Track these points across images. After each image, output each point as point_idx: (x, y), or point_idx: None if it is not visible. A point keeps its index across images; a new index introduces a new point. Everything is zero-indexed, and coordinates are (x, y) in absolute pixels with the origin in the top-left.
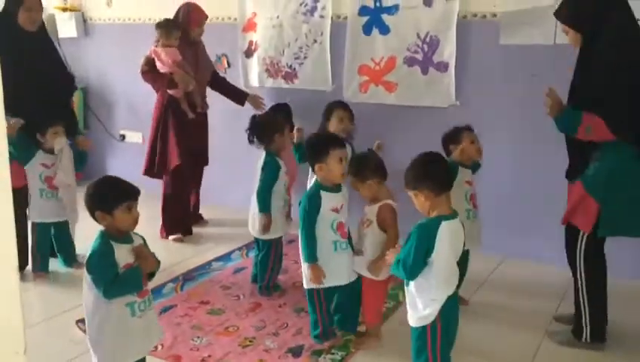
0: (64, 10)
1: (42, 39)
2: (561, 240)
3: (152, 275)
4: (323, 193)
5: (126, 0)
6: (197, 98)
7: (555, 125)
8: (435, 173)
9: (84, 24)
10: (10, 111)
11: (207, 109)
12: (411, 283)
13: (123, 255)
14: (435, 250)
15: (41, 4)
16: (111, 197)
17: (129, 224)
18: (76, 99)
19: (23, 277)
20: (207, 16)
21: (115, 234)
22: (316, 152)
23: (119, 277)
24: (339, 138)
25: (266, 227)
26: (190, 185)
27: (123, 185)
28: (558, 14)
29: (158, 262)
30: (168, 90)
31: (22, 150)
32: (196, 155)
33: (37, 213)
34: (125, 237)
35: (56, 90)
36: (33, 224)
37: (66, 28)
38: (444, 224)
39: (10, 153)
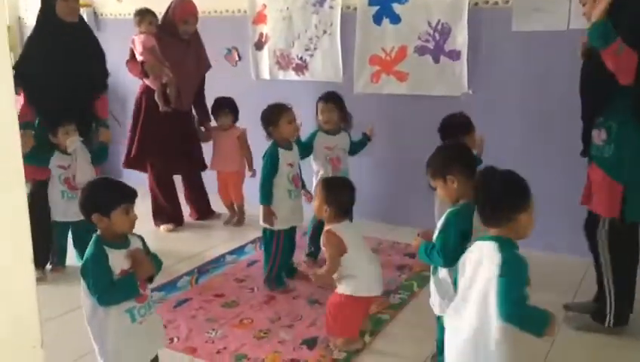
0: None
1: (82, 30)
2: (573, 229)
3: (151, 279)
4: (280, 150)
5: None
6: (172, 92)
7: (591, 36)
8: (463, 157)
9: (96, 19)
10: (34, 103)
11: (187, 109)
12: (443, 270)
13: (118, 260)
14: (473, 235)
15: None
16: (108, 199)
17: (126, 227)
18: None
19: (43, 273)
20: (195, 15)
21: (110, 239)
22: (269, 118)
23: (114, 284)
24: (286, 105)
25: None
26: (167, 177)
27: (120, 187)
28: None
29: (160, 263)
30: (143, 79)
31: (38, 154)
32: (177, 154)
33: (60, 213)
34: (122, 241)
35: (83, 86)
36: (53, 222)
37: None
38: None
39: (26, 157)
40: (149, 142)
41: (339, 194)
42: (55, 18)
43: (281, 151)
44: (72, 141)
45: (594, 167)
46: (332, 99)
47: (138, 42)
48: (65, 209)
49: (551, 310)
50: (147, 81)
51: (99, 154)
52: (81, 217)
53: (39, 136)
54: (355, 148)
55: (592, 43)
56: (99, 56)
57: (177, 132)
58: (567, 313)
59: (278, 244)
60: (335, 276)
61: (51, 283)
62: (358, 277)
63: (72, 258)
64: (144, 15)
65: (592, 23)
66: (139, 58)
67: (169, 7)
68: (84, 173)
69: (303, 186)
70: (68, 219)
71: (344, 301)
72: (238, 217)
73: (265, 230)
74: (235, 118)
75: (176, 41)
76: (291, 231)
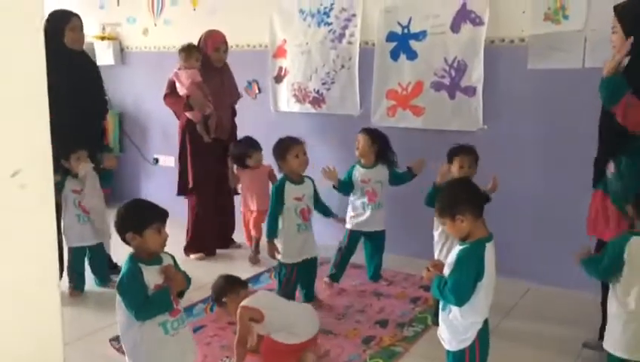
0: (102, 38)
1: (87, 58)
2: None
3: (182, 294)
4: (287, 184)
5: (161, 29)
6: (213, 123)
7: (600, 92)
8: (473, 196)
9: (121, 52)
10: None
11: (226, 137)
12: (454, 308)
13: (152, 276)
14: (485, 273)
15: (82, 24)
16: (142, 218)
17: (158, 245)
18: (112, 123)
19: None
20: (225, 42)
21: (144, 257)
22: (278, 152)
23: (149, 298)
24: (295, 138)
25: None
26: (213, 207)
27: (153, 208)
28: (620, 12)
29: (189, 279)
30: (185, 113)
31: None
32: (218, 181)
33: (76, 238)
34: (154, 258)
35: (90, 112)
36: (70, 248)
37: (104, 56)
38: (487, 246)
39: None
40: (202, 172)
41: (234, 288)
42: (63, 47)
43: (288, 185)
44: (83, 168)
45: (605, 197)
46: (366, 131)
47: (185, 77)
48: (81, 233)
49: (569, 346)
50: (189, 115)
51: (105, 179)
52: (98, 241)
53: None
54: (395, 179)
55: (602, 100)
56: (101, 83)
57: (222, 161)
58: (584, 350)
59: (290, 278)
60: (265, 332)
61: (70, 307)
62: (286, 329)
63: (89, 282)
64: (191, 51)
65: (602, 79)
66: (182, 92)
67: (199, 41)
68: (92, 197)
69: (328, 214)
70: (85, 244)
71: (277, 347)
72: (254, 252)
73: (279, 262)
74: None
75: (211, 72)
76: (306, 264)
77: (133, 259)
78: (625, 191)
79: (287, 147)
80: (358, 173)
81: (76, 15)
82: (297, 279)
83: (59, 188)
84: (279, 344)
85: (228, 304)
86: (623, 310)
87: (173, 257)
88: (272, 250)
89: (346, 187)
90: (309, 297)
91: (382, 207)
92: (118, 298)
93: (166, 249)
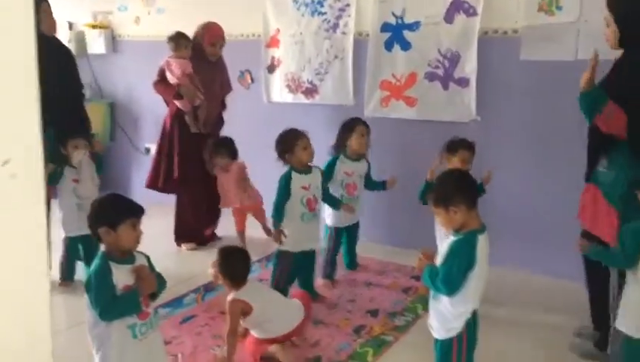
0: (94, 27)
1: (59, 43)
2: (579, 254)
3: (154, 296)
4: (294, 174)
5: (154, 18)
6: (202, 114)
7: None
8: (467, 187)
9: (113, 41)
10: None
11: (210, 131)
12: (444, 297)
13: (123, 276)
14: (477, 263)
15: (51, 9)
16: (116, 213)
17: (132, 241)
18: (103, 112)
19: None
20: (222, 38)
21: (116, 254)
22: (284, 145)
23: (115, 299)
24: (300, 131)
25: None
26: (201, 197)
27: (129, 203)
28: (612, 5)
29: (163, 281)
30: (175, 101)
31: (51, 174)
32: (204, 172)
33: (74, 228)
34: (127, 257)
35: (67, 98)
36: (65, 238)
37: (95, 44)
38: (480, 238)
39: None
40: (187, 163)
41: (232, 265)
42: (39, 33)
43: (295, 174)
44: (77, 155)
45: (597, 192)
46: (364, 123)
47: (176, 66)
48: (79, 222)
49: (559, 335)
50: (178, 103)
51: (97, 164)
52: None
53: (50, 151)
54: (370, 185)
55: (583, 113)
56: (76, 67)
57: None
58: (575, 339)
59: (284, 266)
60: (249, 326)
61: (60, 297)
62: (260, 325)
63: (80, 272)
64: (179, 40)
65: (580, 94)
66: (173, 81)
67: (197, 31)
68: (86, 185)
69: (337, 205)
70: (82, 233)
71: (256, 341)
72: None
73: (277, 250)
74: (234, 157)
75: (204, 64)
76: (305, 256)
77: (104, 257)
78: (615, 183)
79: (294, 140)
80: (343, 164)
81: (45, 0)
82: (293, 272)
83: (57, 177)
84: (252, 337)
85: None
86: None
87: (148, 257)
88: (278, 236)
89: (327, 178)
90: (312, 295)
91: (360, 199)
92: (86, 295)
93: (158, 240)
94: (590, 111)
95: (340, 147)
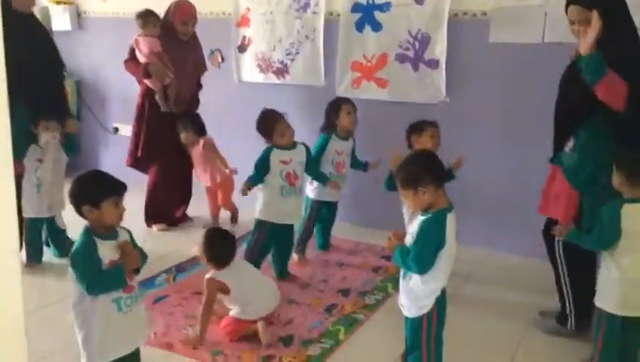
0: (58, 3)
1: (36, 21)
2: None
3: (137, 270)
4: (274, 150)
5: None
6: (172, 93)
7: (585, 69)
8: (434, 166)
9: (78, 17)
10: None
11: (183, 110)
12: (415, 278)
13: (107, 251)
14: (446, 242)
15: None
16: (99, 191)
17: (115, 218)
18: (70, 91)
19: None
20: (194, 16)
21: (99, 230)
22: (264, 129)
23: (102, 273)
24: (279, 113)
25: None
26: (171, 177)
27: (110, 180)
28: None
29: (145, 256)
30: (145, 80)
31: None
32: (175, 152)
33: (33, 210)
34: (110, 233)
35: (46, 75)
36: (25, 218)
37: (59, 21)
38: (449, 216)
39: None
40: (155, 142)
41: (216, 248)
42: (12, 10)
43: (275, 150)
44: (47, 135)
45: (558, 173)
46: (350, 102)
47: (144, 44)
48: (39, 204)
49: (529, 313)
50: (148, 82)
51: (69, 145)
52: (50, 214)
53: (18, 126)
54: (354, 164)
55: (587, 77)
56: (54, 45)
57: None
58: (537, 317)
59: (259, 235)
60: (229, 304)
61: (29, 279)
62: (240, 307)
63: (47, 254)
64: (147, 17)
65: (584, 57)
66: (142, 59)
67: (168, 9)
68: (47, 169)
69: (322, 179)
70: (42, 215)
71: (236, 321)
72: (232, 215)
73: (255, 220)
74: (201, 133)
75: (175, 42)
76: (282, 230)
77: (89, 232)
78: (580, 169)
79: (275, 122)
80: (335, 143)
81: None
82: (267, 243)
83: (22, 150)
84: (230, 317)
85: None
86: (622, 274)
87: (129, 232)
88: (245, 188)
89: (318, 157)
90: (284, 274)
91: (346, 178)
92: (71, 270)
93: (129, 218)
94: (596, 74)
95: (330, 127)
